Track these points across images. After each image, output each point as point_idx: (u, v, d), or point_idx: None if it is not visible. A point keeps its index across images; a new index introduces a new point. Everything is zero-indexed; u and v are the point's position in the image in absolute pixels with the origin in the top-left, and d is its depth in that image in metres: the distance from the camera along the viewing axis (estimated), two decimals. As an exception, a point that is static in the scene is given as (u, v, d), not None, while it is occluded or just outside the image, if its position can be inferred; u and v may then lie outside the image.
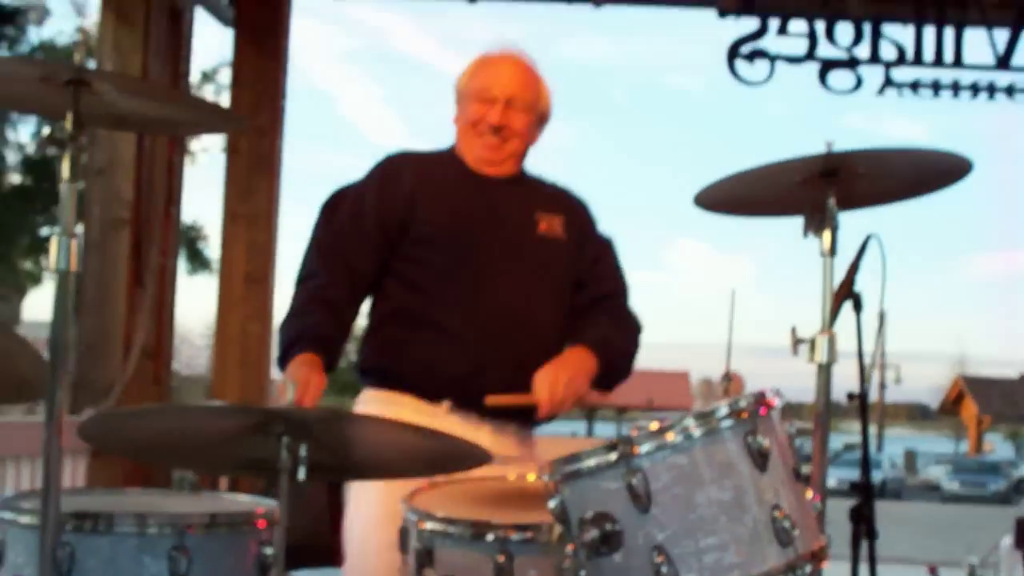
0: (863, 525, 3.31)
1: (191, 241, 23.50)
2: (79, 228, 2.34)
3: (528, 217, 3.54)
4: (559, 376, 3.27)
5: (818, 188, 2.90)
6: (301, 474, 2.33)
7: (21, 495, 2.86)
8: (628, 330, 3.62)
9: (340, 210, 3.51)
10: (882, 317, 3.37)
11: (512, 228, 3.52)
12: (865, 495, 3.29)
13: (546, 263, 3.52)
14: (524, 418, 3.32)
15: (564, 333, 3.51)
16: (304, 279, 3.43)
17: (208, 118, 2.59)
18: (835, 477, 16.79)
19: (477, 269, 3.40)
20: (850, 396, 3.34)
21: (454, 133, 3.63)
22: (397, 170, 3.56)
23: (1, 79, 2.43)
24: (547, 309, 3.47)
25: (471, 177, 3.55)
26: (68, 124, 2.32)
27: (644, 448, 2.39)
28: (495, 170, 3.54)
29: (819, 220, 2.94)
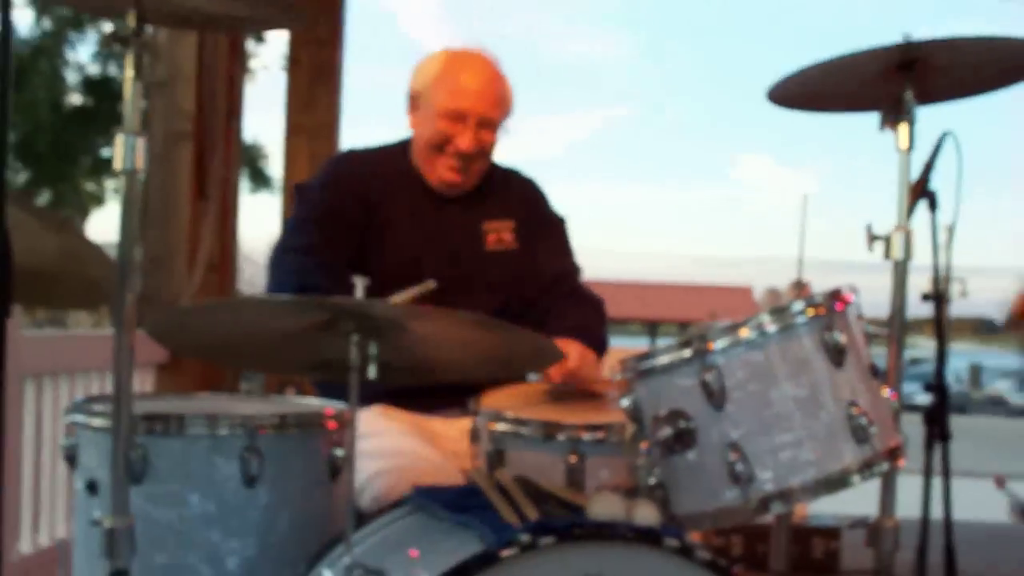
0: (936, 427, 3.26)
1: (252, 160, 23.54)
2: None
3: (477, 234, 3.40)
4: (586, 352, 3.14)
5: (895, 81, 2.83)
6: (371, 373, 2.31)
7: (92, 399, 2.88)
8: (596, 312, 3.47)
9: (310, 200, 3.38)
10: (951, 230, 3.29)
11: (462, 251, 3.37)
12: (940, 396, 3.24)
13: (497, 279, 3.39)
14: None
15: None
16: (291, 249, 3.28)
17: (269, 13, 2.55)
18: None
19: (435, 294, 3.29)
20: (925, 296, 3.27)
21: (411, 136, 3.44)
22: (356, 167, 3.44)
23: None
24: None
25: (424, 196, 3.39)
26: (131, 21, 2.28)
27: (719, 344, 2.36)
28: (456, 191, 3.40)
29: (895, 114, 2.87)
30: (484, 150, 3.34)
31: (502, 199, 3.48)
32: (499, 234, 3.42)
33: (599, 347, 3.26)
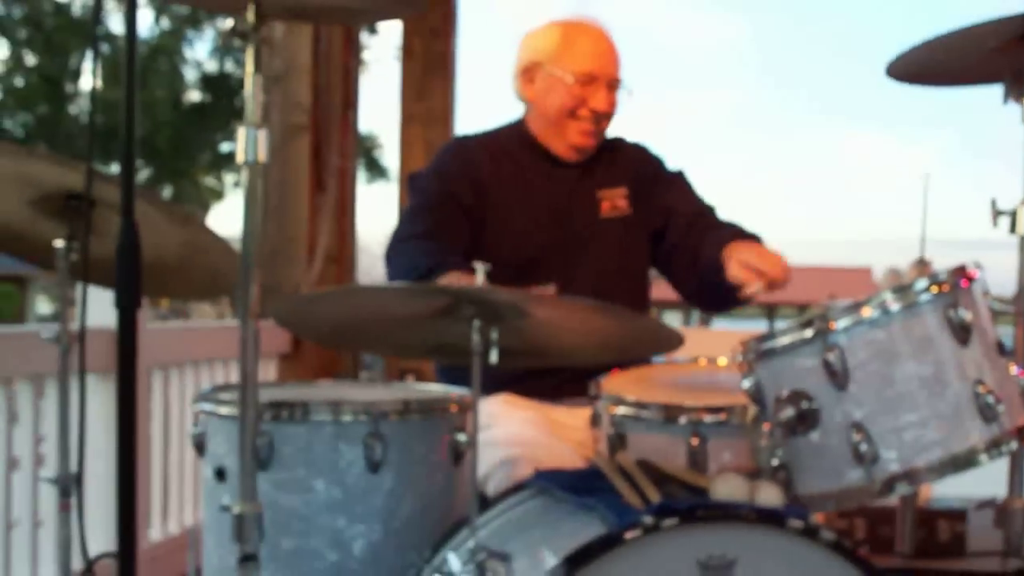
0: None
1: (367, 150, 23.78)
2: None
3: (592, 203, 3.42)
4: (767, 254, 3.07)
5: (1018, 52, 2.78)
6: (493, 357, 2.32)
7: (219, 388, 2.93)
8: (748, 233, 3.39)
9: (425, 184, 3.40)
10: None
11: (578, 220, 3.39)
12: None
13: (614, 246, 3.41)
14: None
15: (646, 308, 3.46)
16: (404, 239, 3.29)
17: (384, 3, 2.57)
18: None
19: (546, 266, 3.30)
20: (1051, 272, 3.20)
21: (527, 108, 3.48)
22: (469, 150, 3.44)
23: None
24: (623, 293, 3.27)
25: (544, 167, 3.43)
26: (250, 16, 2.32)
27: (840, 324, 2.33)
28: (582, 156, 3.43)
29: (1019, 86, 2.82)
30: (614, 110, 3.39)
31: (614, 167, 3.50)
32: (613, 201, 3.44)
33: None
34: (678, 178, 3.58)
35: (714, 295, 3.29)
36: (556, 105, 3.37)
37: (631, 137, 3.61)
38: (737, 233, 3.26)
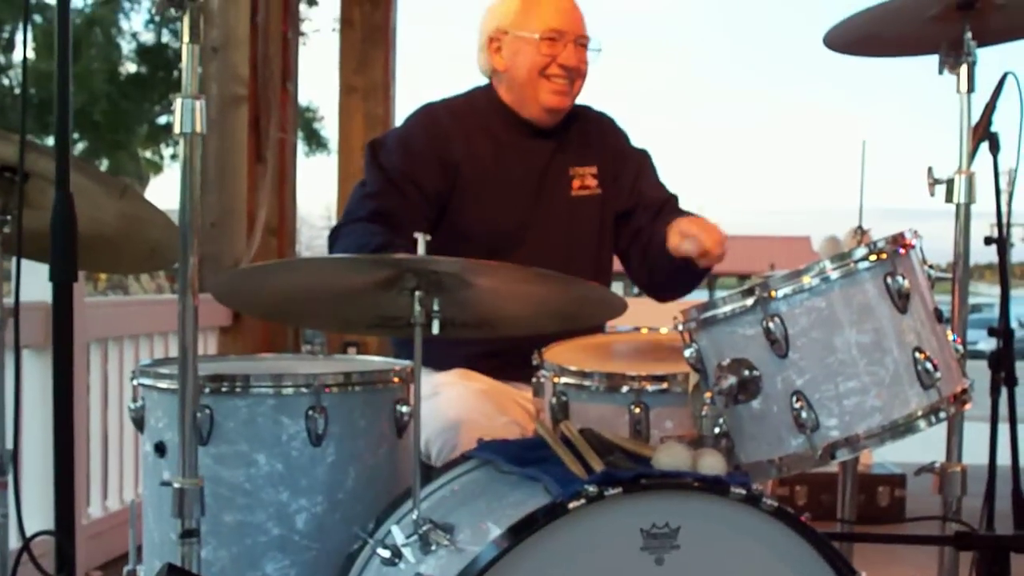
0: (1002, 372, 3.23)
1: (307, 122, 23.62)
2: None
3: (565, 180, 3.41)
4: (706, 224, 3.12)
5: (953, 22, 2.80)
6: (435, 328, 2.32)
7: (158, 362, 2.91)
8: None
9: (386, 160, 3.33)
10: (1013, 173, 3.25)
11: (551, 198, 3.38)
12: (1005, 341, 3.20)
13: (578, 225, 3.40)
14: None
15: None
16: (356, 220, 3.23)
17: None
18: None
19: (511, 234, 3.28)
20: (987, 240, 3.24)
21: (497, 80, 3.44)
22: (440, 124, 3.38)
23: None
24: (590, 273, 3.28)
25: (517, 139, 3.40)
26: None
27: (781, 292, 2.35)
28: (555, 118, 3.42)
29: (955, 56, 2.84)
30: (583, 68, 3.38)
31: (585, 142, 3.49)
32: (583, 180, 3.43)
33: None
34: (645, 160, 3.58)
35: (664, 278, 3.31)
36: (526, 66, 3.35)
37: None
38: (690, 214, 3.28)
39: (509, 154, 3.38)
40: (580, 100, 3.47)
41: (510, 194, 3.33)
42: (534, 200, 3.35)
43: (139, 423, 2.80)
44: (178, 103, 2.28)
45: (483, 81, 3.51)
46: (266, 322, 6.19)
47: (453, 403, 3.02)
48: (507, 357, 3.15)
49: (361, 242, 3.08)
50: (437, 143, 3.32)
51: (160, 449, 2.69)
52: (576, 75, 3.36)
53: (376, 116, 6.97)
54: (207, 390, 2.62)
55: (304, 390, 2.65)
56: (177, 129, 2.29)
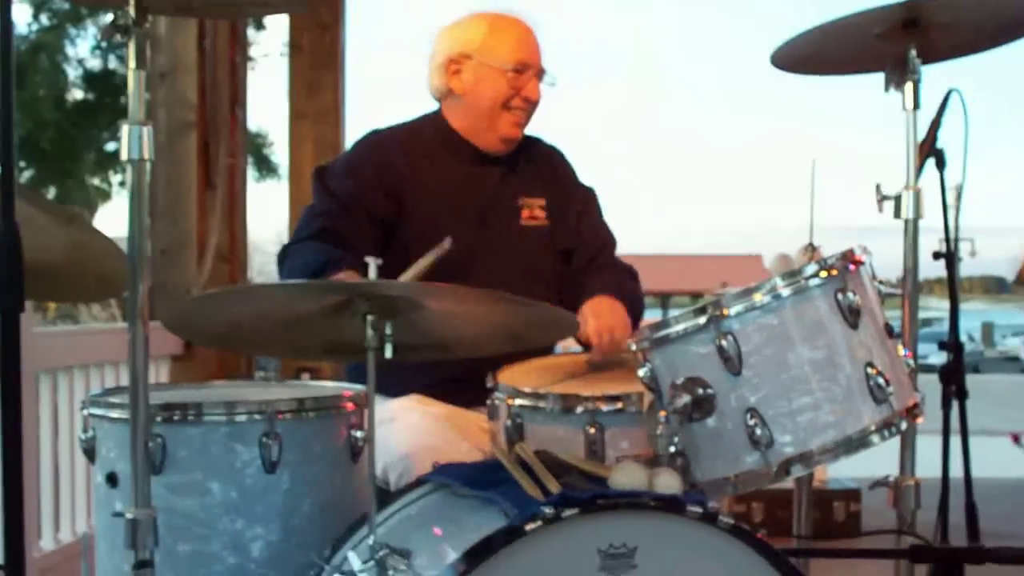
0: (953, 385, 3.25)
1: (257, 148, 23.52)
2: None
3: (513, 206, 3.41)
4: (602, 308, 3.12)
5: (898, 40, 2.83)
6: (388, 352, 2.31)
7: (109, 391, 2.88)
8: (632, 276, 3.47)
9: (333, 184, 3.32)
10: (959, 188, 3.28)
11: (500, 225, 3.38)
12: (955, 354, 3.23)
13: (528, 254, 3.40)
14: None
15: None
16: (303, 239, 3.21)
17: (270, -2, 2.54)
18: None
19: (459, 261, 3.15)
20: (936, 255, 3.27)
21: (449, 102, 3.43)
22: (386, 150, 3.37)
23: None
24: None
25: (466, 167, 3.40)
26: (130, 10, 2.27)
27: (733, 310, 2.36)
28: (509, 148, 3.43)
29: (900, 74, 2.87)
30: (539, 100, 3.39)
31: (534, 174, 3.49)
32: (532, 211, 3.43)
33: (633, 307, 3.26)
34: (591, 199, 3.59)
35: None
36: (490, 96, 3.34)
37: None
38: (607, 285, 3.27)
39: (457, 181, 3.37)
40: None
41: (458, 221, 3.27)
42: (482, 228, 3.34)
43: (90, 454, 2.76)
44: (125, 130, 2.27)
45: (431, 106, 3.50)
46: (219, 349, 6.15)
47: (412, 429, 3.01)
48: (464, 383, 3.12)
49: (308, 260, 3.06)
50: (382, 170, 3.32)
51: (112, 479, 2.66)
52: (534, 107, 3.38)
53: (326, 141, 6.95)
54: (159, 419, 2.59)
55: (257, 417, 2.63)
56: (124, 156, 2.28)
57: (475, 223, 3.33)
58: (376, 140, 3.42)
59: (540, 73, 3.37)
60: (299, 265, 3.09)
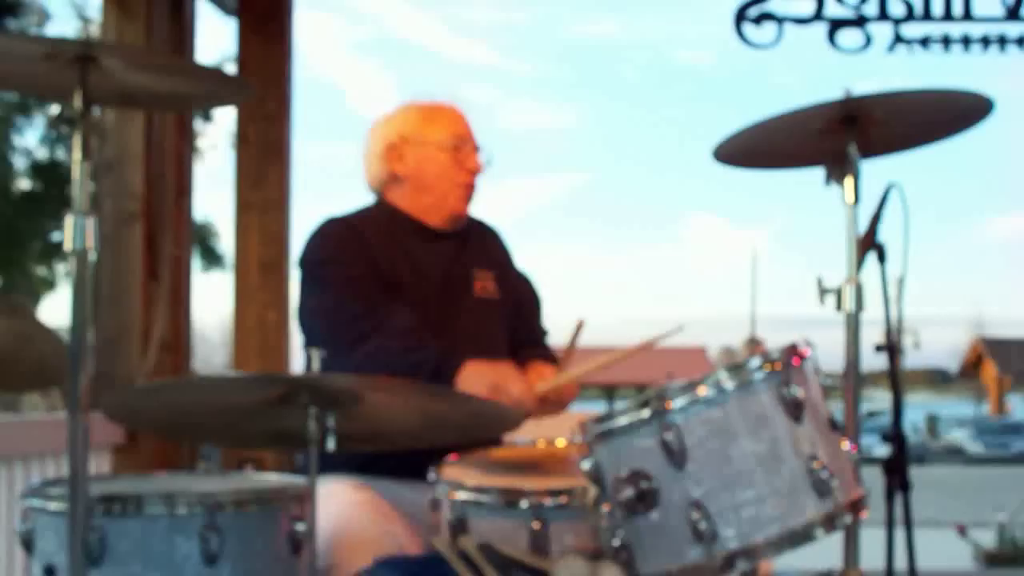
0: (896, 477, 3.27)
1: (202, 238, 23.48)
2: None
3: (467, 280, 3.47)
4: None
5: (838, 135, 2.87)
6: (330, 444, 2.30)
7: (48, 483, 2.85)
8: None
9: (328, 262, 3.37)
10: (901, 281, 3.32)
11: (456, 296, 3.43)
12: (898, 446, 3.25)
13: (487, 327, 3.46)
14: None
15: None
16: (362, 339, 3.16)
17: (216, 89, 2.55)
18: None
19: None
20: (878, 347, 3.29)
21: (391, 187, 3.48)
22: (358, 236, 3.39)
23: (5, 58, 2.38)
24: None
25: (418, 236, 3.44)
26: (77, 102, 2.28)
27: (677, 403, 2.36)
28: (459, 223, 3.50)
29: (840, 168, 2.91)
30: (481, 171, 3.47)
31: (482, 248, 3.57)
32: (484, 284, 3.49)
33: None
34: (532, 289, 3.70)
35: None
36: (435, 172, 3.42)
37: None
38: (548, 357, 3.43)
39: (415, 257, 3.41)
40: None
41: (423, 293, 3.36)
42: (442, 301, 3.38)
43: (28, 545, 2.72)
44: (68, 220, 2.26)
45: (368, 200, 3.54)
46: (161, 440, 6.08)
47: (342, 518, 2.98)
48: (402, 456, 3.11)
49: (409, 364, 3.02)
50: (360, 247, 3.35)
51: (50, 572, 2.62)
52: (476, 180, 3.45)
53: (272, 232, 6.93)
54: (98, 511, 2.56)
55: (198, 509, 2.60)
56: (68, 246, 2.27)
57: (434, 297, 3.37)
58: (342, 225, 3.45)
59: (476, 148, 3.46)
60: (402, 369, 2.90)
